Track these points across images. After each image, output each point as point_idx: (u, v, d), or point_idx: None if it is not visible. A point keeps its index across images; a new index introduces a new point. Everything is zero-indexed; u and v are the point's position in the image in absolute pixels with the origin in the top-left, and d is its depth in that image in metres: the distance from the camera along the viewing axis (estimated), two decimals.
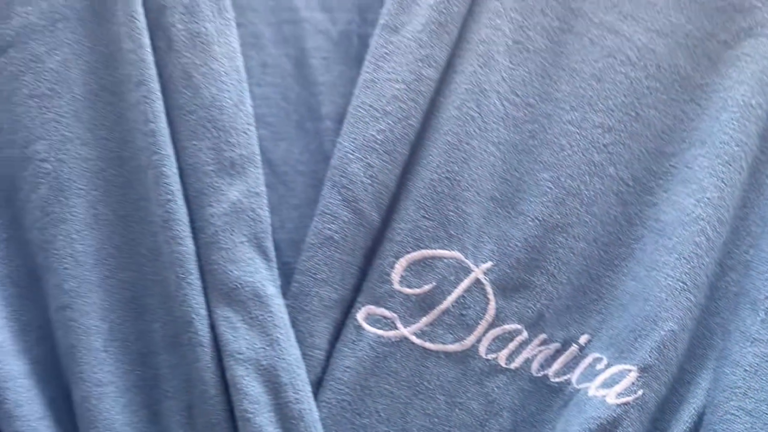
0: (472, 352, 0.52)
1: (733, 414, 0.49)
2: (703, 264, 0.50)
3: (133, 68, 0.48)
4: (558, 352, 0.53)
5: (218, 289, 0.48)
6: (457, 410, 0.52)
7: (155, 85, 0.48)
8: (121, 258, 0.50)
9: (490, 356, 0.52)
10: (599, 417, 0.50)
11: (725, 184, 0.51)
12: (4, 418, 0.48)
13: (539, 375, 0.53)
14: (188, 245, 0.48)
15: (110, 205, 0.50)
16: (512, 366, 0.53)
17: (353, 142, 0.50)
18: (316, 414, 0.49)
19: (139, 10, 0.48)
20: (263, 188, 0.50)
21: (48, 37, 0.49)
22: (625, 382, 0.50)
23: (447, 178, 0.50)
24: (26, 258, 0.50)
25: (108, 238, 0.50)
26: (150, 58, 0.48)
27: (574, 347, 0.53)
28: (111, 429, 0.49)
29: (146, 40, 0.48)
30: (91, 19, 0.50)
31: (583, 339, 0.53)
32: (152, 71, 0.48)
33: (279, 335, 0.49)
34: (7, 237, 0.50)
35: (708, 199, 0.51)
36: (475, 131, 0.51)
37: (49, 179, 0.49)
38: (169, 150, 0.48)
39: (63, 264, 0.49)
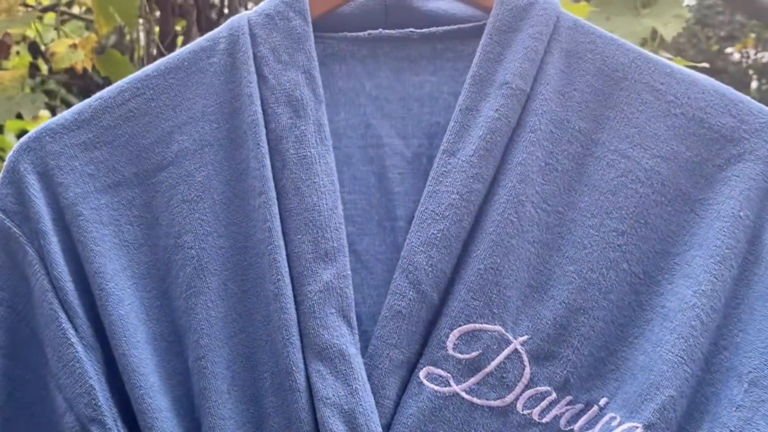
0: (511, 407, 0.65)
1: None
2: (698, 343, 0.62)
3: (257, 181, 0.64)
4: (582, 411, 0.65)
5: (312, 348, 0.63)
6: None
7: (272, 194, 0.64)
8: (242, 322, 0.65)
9: (526, 412, 0.64)
10: None
11: (717, 279, 0.63)
12: (139, 410, 0.62)
13: (566, 429, 0.65)
14: (291, 314, 0.63)
15: (236, 282, 0.65)
16: (543, 420, 0.65)
17: (419, 239, 0.64)
18: None
19: (263, 139, 0.65)
20: (349, 272, 0.64)
21: (197, 158, 0.66)
22: None
23: (491, 268, 0.64)
24: (173, 320, 0.66)
25: (234, 307, 0.65)
26: (269, 174, 0.64)
27: (595, 408, 0.64)
28: None
29: (267, 162, 0.64)
30: (228, 145, 0.66)
31: (602, 401, 0.64)
32: (271, 184, 0.64)
33: (358, 386, 0.62)
34: (160, 304, 0.66)
35: (703, 290, 0.63)
36: (514, 232, 0.64)
37: (194, 262, 0.65)
38: (280, 242, 0.63)
39: (200, 325, 0.64)
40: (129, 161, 0.66)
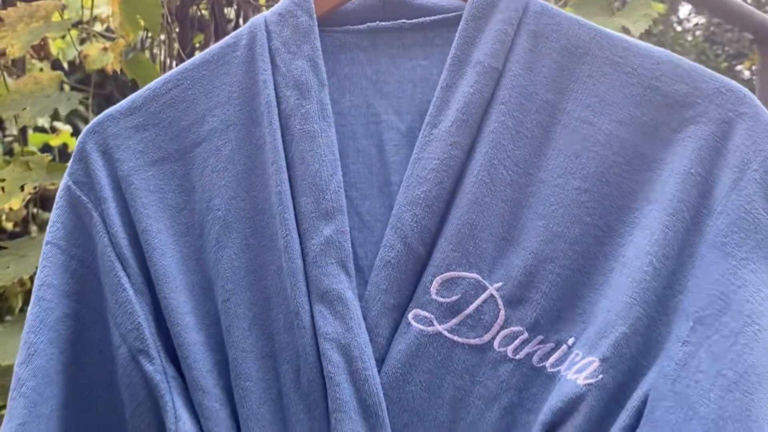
0: (488, 345, 0.74)
1: (665, 394, 0.67)
2: (650, 287, 0.69)
3: (270, 153, 0.77)
4: (552, 350, 0.73)
5: (316, 293, 0.74)
6: (477, 386, 0.73)
7: (283, 164, 0.76)
8: (261, 272, 0.77)
9: (501, 349, 0.74)
10: (571, 393, 0.69)
11: (669, 229, 0.70)
12: (186, 368, 0.75)
13: (539, 365, 0.73)
14: (299, 264, 0.75)
15: (255, 238, 0.78)
16: (517, 357, 0.73)
17: (406, 199, 0.75)
18: (377, 378, 0.73)
19: (276, 118, 0.77)
20: (347, 228, 0.75)
21: (224, 135, 0.80)
22: (590, 369, 0.69)
23: (468, 223, 0.73)
24: (206, 271, 0.79)
25: (253, 258, 0.78)
26: (281, 147, 0.77)
27: (564, 346, 0.72)
28: (250, 379, 0.76)
29: (279, 136, 0.77)
30: (249, 124, 0.79)
31: (570, 341, 0.72)
32: (282, 155, 0.76)
33: (353, 325, 0.73)
34: (196, 257, 0.79)
35: (656, 239, 0.70)
36: (488, 191, 0.74)
37: (221, 221, 0.78)
38: (289, 204, 0.76)
39: (226, 274, 0.77)
40: (171, 140, 0.80)
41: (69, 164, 0.80)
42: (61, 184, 0.80)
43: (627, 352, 0.69)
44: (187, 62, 0.82)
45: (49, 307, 0.77)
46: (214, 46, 0.81)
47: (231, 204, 0.78)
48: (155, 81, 0.82)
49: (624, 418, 0.68)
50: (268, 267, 0.77)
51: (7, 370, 1.13)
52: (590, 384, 0.69)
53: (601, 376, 0.69)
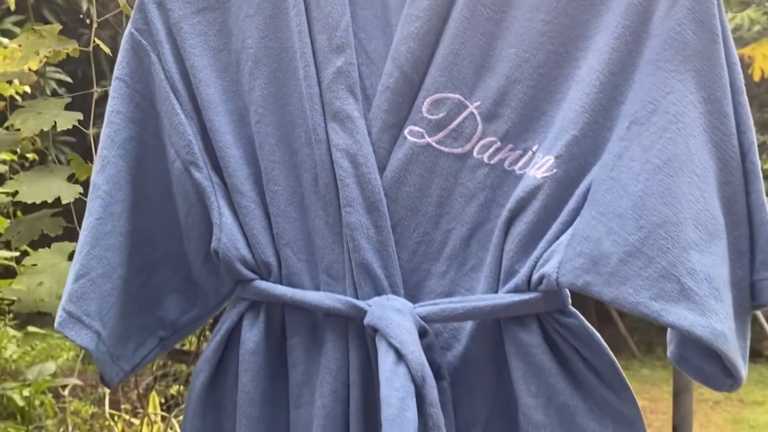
0: (468, 153, 0.90)
1: (604, 180, 0.83)
2: (598, 97, 0.84)
3: (292, 1, 0.94)
4: (520, 156, 0.89)
5: (329, 112, 0.91)
6: (459, 187, 0.90)
7: (302, 8, 0.91)
8: (286, 98, 0.94)
9: (479, 156, 0.90)
10: (531, 184, 0.86)
11: (614, 50, 0.84)
12: (227, 176, 0.93)
13: (509, 169, 0.89)
14: (316, 90, 0.92)
15: (281, 71, 0.94)
16: (492, 162, 0.90)
17: (402, 34, 0.91)
18: (379, 181, 0.89)
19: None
20: (355, 60, 0.91)
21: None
22: (546, 165, 0.86)
23: (452, 53, 0.89)
24: (242, 99, 0.95)
25: (280, 88, 0.94)
26: None
27: (530, 152, 0.89)
28: (278, 184, 0.93)
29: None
30: None
31: (534, 148, 0.88)
32: (301, 1, 0.93)
33: (359, 138, 0.90)
34: (234, 89, 0.96)
35: (603, 58, 0.84)
36: (468, 26, 0.89)
37: (252, 56, 0.94)
38: (307, 40, 0.91)
39: (257, 101, 0.94)
40: None
41: (131, 15, 0.98)
42: (126, 31, 0.98)
43: (577, 151, 0.85)
44: None
45: (117, 129, 0.97)
46: None
47: (261, 43, 0.95)
48: None
49: (572, 202, 0.85)
50: (291, 94, 0.94)
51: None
52: (546, 177, 0.85)
53: (555, 170, 0.85)
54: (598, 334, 0.87)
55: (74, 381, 2.38)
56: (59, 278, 1.16)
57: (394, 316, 0.85)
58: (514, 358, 0.86)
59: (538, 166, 0.86)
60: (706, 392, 5.71)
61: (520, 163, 0.89)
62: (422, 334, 0.86)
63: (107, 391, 3.13)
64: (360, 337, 0.91)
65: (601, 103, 0.85)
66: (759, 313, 7.04)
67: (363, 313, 0.87)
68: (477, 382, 0.90)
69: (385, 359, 0.83)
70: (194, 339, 2.70)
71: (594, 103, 0.84)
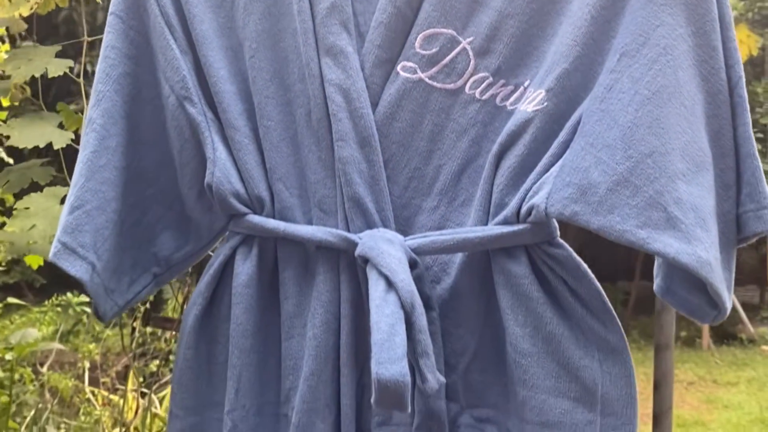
0: (461, 89, 0.91)
1: (594, 111, 0.84)
2: (589, 31, 0.85)
3: None
4: (512, 92, 0.90)
5: (323, 47, 0.91)
6: (451, 123, 0.91)
7: None
8: (280, 35, 0.94)
9: (471, 92, 0.91)
10: (522, 118, 0.87)
11: None
12: (221, 112, 0.94)
13: (501, 104, 0.91)
14: (309, 25, 0.92)
15: (275, 6, 0.94)
16: (483, 98, 0.91)
17: None
18: (371, 116, 0.90)
19: None
20: None
21: None
22: (537, 99, 0.87)
23: None
24: (237, 35, 0.96)
25: (274, 24, 0.94)
26: None
27: (521, 88, 0.90)
28: (272, 119, 0.94)
29: None
30: None
31: (526, 83, 0.90)
32: None
33: (352, 73, 0.91)
34: (229, 25, 0.96)
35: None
36: None
37: (256, 36, 0.95)
38: None
39: (252, 36, 0.94)
40: None
41: None
42: None
43: (568, 84, 0.86)
44: None
45: (113, 64, 0.97)
46: None
47: (257, 24, 0.95)
48: None
49: (562, 135, 0.86)
50: (285, 30, 0.95)
51: None
52: (537, 110, 0.87)
53: (546, 104, 0.86)
54: (585, 265, 0.89)
55: (58, 346, 2.38)
56: (52, 221, 1.16)
57: (385, 246, 0.86)
58: (503, 288, 0.88)
59: (530, 101, 0.88)
60: (680, 373, 5.80)
61: (512, 99, 0.90)
62: (412, 265, 0.87)
63: (87, 366, 3.14)
64: (351, 269, 0.92)
65: (592, 37, 0.86)
66: (734, 296, 7.13)
67: (354, 245, 0.89)
68: (466, 313, 0.92)
69: (376, 287, 0.84)
70: (177, 306, 2.71)
71: (585, 37, 0.86)
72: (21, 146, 1.22)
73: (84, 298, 3.57)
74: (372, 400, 0.81)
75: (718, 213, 0.84)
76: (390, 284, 0.84)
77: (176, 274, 1.04)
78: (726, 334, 6.95)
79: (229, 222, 0.98)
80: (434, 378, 0.84)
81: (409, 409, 0.82)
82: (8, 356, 2.21)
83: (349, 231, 0.91)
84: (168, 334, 3.16)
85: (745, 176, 0.85)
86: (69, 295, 3.53)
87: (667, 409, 1.44)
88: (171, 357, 3.29)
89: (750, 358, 6.44)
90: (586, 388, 0.86)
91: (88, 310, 3.56)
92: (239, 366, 0.94)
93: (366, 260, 0.87)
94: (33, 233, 1.16)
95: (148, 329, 3.15)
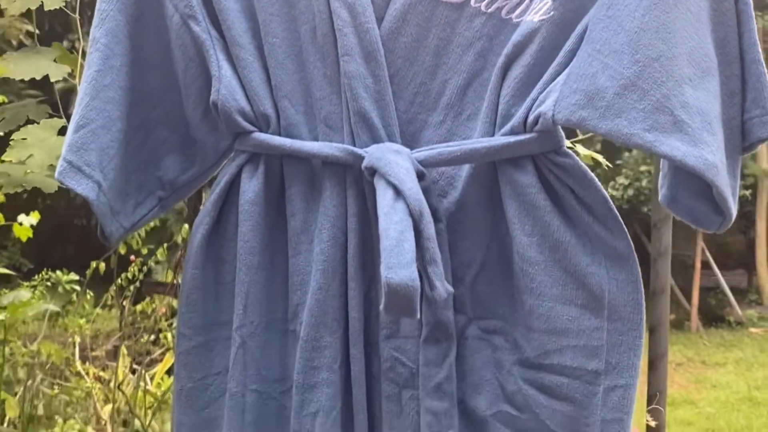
0: (466, 2, 0.91)
1: (600, 18, 0.84)
2: None
3: None
4: (518, 4, 0.90)
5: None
6: (456, 37, 0.92)
7: None
8: (301, 6, 0.95)
9: (476, 5, 0.91)
10: (528, 28, 0.88)
11: None
12: (226, 29, 0.93)
13: (507, 17, 0.91)
14: None
15: None
16: (489, 11, 0.91)
17: None
18: (377, 31, 0.90)
19: None
20: None
21: None
22: (543, 9, 0.87)
23: None
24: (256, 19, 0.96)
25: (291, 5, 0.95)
26: None
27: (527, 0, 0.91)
28: (277, 36, 0.94)
29: None
30: None
31: None
32: None
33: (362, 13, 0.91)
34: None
35: None
36: None
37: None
38: None
39: (265, 13, 0.95)
40: None
41: None
42: None
43: None
44: None
45: None
46: None
47: None
48: None
49: (569, 44, 0.87)
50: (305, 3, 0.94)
51: None
52: (543, 20, 0.87)
53: (552, 13, 0.87)
54: (591, 174, 0.89)
55: (52, 307, 2.36)
56: (50, 152, 1.15)
57: (393, 156, 0.87)
58: (509, 198, 0.89)
59: (536, 11, 0.88)
60: (669, 355, 5.85)
61: (518, 11, 0.91)
62: (420, 177, 0.88)
63: (77, 340, 3.13)
64: (358, 184, 0.92)
65: None
66: (722, 280, 7.21)
67: (361, 159, 0.89)
68: (473, 225, 0.92)
69: (384, 196, 0.85)
70: (170, 272, 2.70)
71: None
72: (18, 78, 1.21)
73: (73, 276, 3.54)
74: (381, 307, 0.81)
75: (723, 120, 0.85)
76: (398, 193, 0.84)
77: (182, 197, 1.04)
78: (714, 317, 7.02)
79: (235, 141, 0.98)
80: (443, 286, 0.84)
81: (418, 315, 0.82)
82: (1, 316, 2.19)
83: (355, 146, 0.91)
84: (159, 311, 3.16)
85: (750, 82, 0.86)
86: (58, 272, 3.51)
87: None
88: (161, 334, 3.28)
89: (738, 340, 6.52)
90: (593, 294, 0.87)
91: (77, 288, 3.54)
92: (247, 283, 0.94)
93: (373, 172, 0.87)
94: (30, 162, 1.15)
95: (138, 307, 3.15)
